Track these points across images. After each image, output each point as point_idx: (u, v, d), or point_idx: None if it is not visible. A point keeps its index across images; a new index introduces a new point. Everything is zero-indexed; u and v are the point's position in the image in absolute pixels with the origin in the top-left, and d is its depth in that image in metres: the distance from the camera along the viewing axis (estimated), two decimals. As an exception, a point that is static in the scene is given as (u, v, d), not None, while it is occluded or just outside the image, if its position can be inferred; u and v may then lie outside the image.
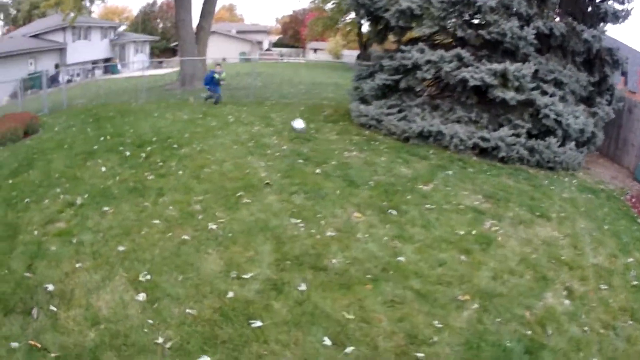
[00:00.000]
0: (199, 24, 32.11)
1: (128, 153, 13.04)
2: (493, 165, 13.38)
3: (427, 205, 9.98)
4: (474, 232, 8.98)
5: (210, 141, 14.01)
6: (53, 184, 11.24)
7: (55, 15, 45.68)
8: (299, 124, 13.39)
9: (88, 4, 32.40)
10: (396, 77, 15.80)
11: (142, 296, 6.55)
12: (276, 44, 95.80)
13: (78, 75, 51.98)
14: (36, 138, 17.17)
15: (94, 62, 55.76)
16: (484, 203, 10.46)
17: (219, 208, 9.36)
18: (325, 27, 67.99)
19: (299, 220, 8.87)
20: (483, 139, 13.77)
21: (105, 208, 9.54)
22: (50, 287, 6.78)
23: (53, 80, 41.53)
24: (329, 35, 74.12)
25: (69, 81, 47.12)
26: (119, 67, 57.85)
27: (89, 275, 7.12)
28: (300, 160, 12.27)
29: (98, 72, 56.59)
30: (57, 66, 47.79)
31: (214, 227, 8.54)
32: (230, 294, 6.58)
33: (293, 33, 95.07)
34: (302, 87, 30.60)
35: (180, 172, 11.38)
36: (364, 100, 17.22)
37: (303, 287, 6.81)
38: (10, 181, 11.85)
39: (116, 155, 12.97)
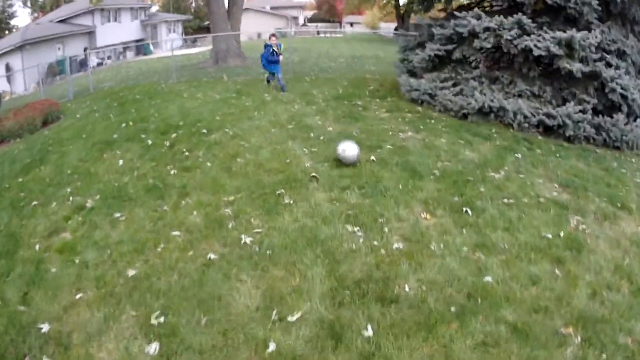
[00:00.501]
0: (230, -1, 30.31)
1: (150, 142, 11.50)
2: (560, 145, 11.57)
3: (505, 200, 8.10)
4: (561, 233, 7.14)
5: (245, 124, 12.29)
6: (64, 182, 10.02)
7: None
8: (351, 149, 9.23)
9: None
10: (449, 47, 14.04)
11: (154, 348, 4.87)
12: (312, 19, 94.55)
13: (109, 57, 51.03)
14: (55, 127, 16.14)
15: (125, 44, 54.63)
16: (562, 193, 8.65)
17: (254, 212, 7.54)
18: (362, 0, 66.60)
19: (356, 228, 6.98)
20: (549, 115, 12.04)
21: (117, 214, 7.99)
22: (45, 328, 5.34)
23: (82, 64, 40.40)
24: (366, 8, 72.83)
25: (99, 64, 46.61)
26: (151, 47, 56.56)
27: (90, 312, 5.54)
28: None
29: (130, 54, 55.67)
30: (85, 50, 46.63)
31: (248, 240, 6.71)
32: (272, 346, 4.76)
33: (328, 7, 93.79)
34: (341, 60, 28.82)
35: (209, 164, 9.65)
36: (412, 73, 15.58)
37: (369, 331, 4.94)
38: (21, 179, 10.84)
39: (137, 145, 11.50)
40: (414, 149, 10.26)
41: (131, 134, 12.45)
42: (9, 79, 38.75)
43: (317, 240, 6.66)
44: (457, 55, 13.84)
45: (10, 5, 74.65)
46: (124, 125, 13.53)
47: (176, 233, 7.07)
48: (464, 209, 7.60)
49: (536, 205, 7.99)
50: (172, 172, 9.45)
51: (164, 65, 30.48)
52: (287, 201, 7.82)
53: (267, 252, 6.41)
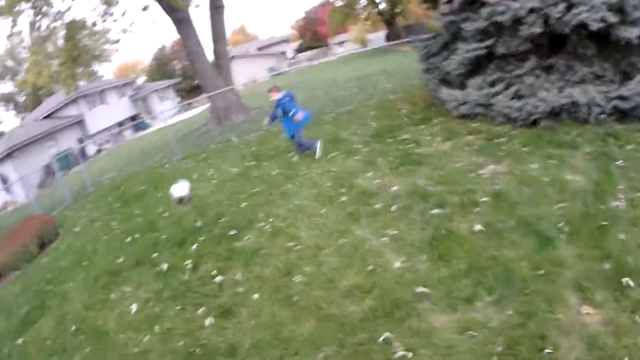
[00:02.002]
0: (215, 51, 28.29)
1: (166, 265, 8.68)
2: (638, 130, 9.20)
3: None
4: None
5: (282, 207, 9.50)
6: (70, 347, 7.48)
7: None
8: (179, 189, 9.92)
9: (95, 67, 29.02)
10: (487, 42, 11.43)
11: None
12: (300, 50, 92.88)
13: (108, 142, 48.77)
14: (53, 251, 13.69)
15: (121, 124, 52.39)
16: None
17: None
18: (344, 17, 64.95)
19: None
20: (621, 98, 9.69)
21: None
22: None
23: (83, 155, 38.31)
24: (350, 23, 71.30)
25: (99, 151, 44.65)
26: (147, 121, 54.36)
27: None
28: (436, 210, 7.56)
29: (128, 132, 53.42)
30: (80, 141, 44.54)
31: None
32: None
33: (312, 34, 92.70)
34: (350, 85, 25.77)
35: (255, 296, 6.69)
36: (447, 82, 13.00)
37: None
38: (20, 340, 8.50)
39: (149, 273, 8.78)
40: (514, 193, 7.61)
41: (140, 253, 9.87)
42: (7, 189, 36.70)
43: None
44: (501, 50, 11.33)
45: (-10, 113, 74.30)
46: (129, 239, 11.03)
47: None
48: (623, 280, 5.19)
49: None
50: (207, 321, 6.50)
51: (165, 139, 28.15)
52: (400, 353, 4.86)
53: None
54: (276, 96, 12.31)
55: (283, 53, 78.11)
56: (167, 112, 44.64)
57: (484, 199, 7.56)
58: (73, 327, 7.99)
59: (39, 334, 8.43)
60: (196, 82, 67.02)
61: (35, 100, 71.28)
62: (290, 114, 11.95)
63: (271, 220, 8.99)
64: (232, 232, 9.03)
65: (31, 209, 20.87)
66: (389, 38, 55.05)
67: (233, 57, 41.20)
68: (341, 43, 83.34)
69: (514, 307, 5.09)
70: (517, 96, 10.82)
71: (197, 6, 32.20)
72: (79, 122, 48.67)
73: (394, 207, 8.04)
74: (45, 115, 49.54)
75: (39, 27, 23.95)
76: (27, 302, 10.24)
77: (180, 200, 9.60)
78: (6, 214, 31.70)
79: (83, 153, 40.14)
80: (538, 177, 7.96)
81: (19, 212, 27.44)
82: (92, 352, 6.98)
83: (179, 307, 7.15)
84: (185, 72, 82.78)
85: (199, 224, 10.10)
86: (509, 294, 5.28)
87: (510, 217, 6.84)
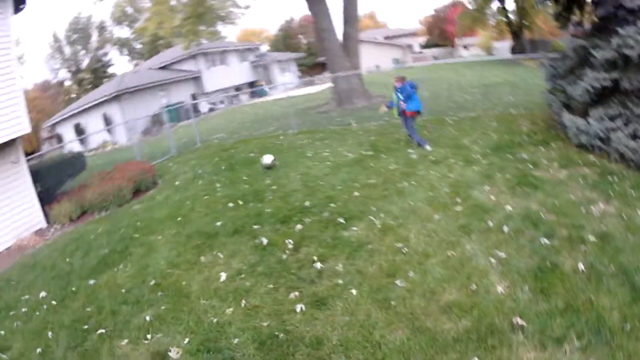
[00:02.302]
0: (344, 32, 27.98)
1: (266, 240, 8.65)
2: None
3: None
4: None
5: (395, 204, 9.30)
6: (144, 301, 7.54)
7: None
8: (267, 159, 13.51)
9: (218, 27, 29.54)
10: (614, 74, 10.84)
11: None
12: (426, 45, 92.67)
13: (222, 102, 49.42)
14: (148, 199, 13.91)
15: (238, 87, 52.94)
16: None
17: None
18: (474, 21, 65.22)
19: None
20: None
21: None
22: None
23: (187, 111, 38.88)
24: (479, 28, 71.03)
25: (211, 110, 45.20)
26: (266, 89, 54.83)
27: None
28: (544, 240, 7.23)
29: (244, 97, 54.00)
30: (194, 97, 45.26)
31: None
32: None
33: (439, 32, 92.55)
34: (474, 91, 25.17)
35: (354, 292, 6.51)
36: (569, 107, 12.60)
37: None
38: (92, 281, 8.71)
39: (247, 244, 8.74)
40: (619, 238, 7.17)
41: (240, 222, 9.87)
42: (109, 130, 37.78)
43: None
44: (625, 85, 10.70)
45: (105, 54, 76.63)
46: (231, 205, 11.08)
47: None
48: None
49: None
50: (298, 307, 6.37)
51: (282, 109, 28.50)
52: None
53: None
54: (398, 85, 13.62)
55: (410, 46, 77.76)
56: (288, 84, 44.85)
57: (591, 238, 7.19)
58: (152, 282, 8.05)
59: (114, 279, 8.53)
60: (319, 59, 67.16)
61: (152, 49, 73.34)
62: (402, 96, 13.29)
63: (382, 215, 8.81)
64: (340, 220, 8.91)
65: (131, 153, 21.25)
66: (514, 50, 54.15)
67: (360, 41, 40.88)
68: (466, 46, 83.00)
69: (597, 358, 4.85)
70: (634, 136, 10.34)
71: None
72: (195, 78, 49.81)
73: (505, 228, 7.80)
74: (161, 65, 51.20)
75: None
76: (108, 245, 10.40)
77: (268, 167, 12.31)
78: (103, 153, 32.56)
79: (195, 109, 40.72)
80: (642, 223, 7.59)
81: (117, 152, 28.10)
82: (167, 311, 6.96)
83: (271, 286, 7.06)
84: (310, 48, 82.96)
85: (307, 203, 10.05)
86: (595, 343, 5.05)
87: (612, 262, 6.48)
